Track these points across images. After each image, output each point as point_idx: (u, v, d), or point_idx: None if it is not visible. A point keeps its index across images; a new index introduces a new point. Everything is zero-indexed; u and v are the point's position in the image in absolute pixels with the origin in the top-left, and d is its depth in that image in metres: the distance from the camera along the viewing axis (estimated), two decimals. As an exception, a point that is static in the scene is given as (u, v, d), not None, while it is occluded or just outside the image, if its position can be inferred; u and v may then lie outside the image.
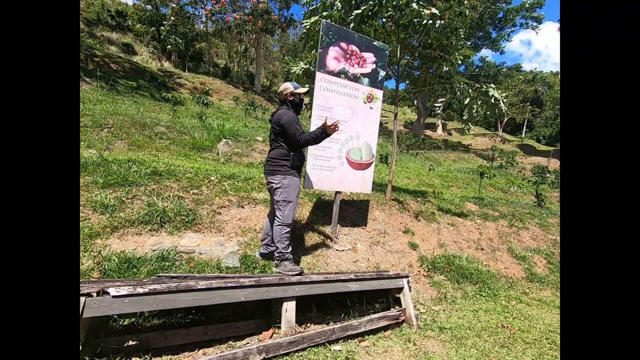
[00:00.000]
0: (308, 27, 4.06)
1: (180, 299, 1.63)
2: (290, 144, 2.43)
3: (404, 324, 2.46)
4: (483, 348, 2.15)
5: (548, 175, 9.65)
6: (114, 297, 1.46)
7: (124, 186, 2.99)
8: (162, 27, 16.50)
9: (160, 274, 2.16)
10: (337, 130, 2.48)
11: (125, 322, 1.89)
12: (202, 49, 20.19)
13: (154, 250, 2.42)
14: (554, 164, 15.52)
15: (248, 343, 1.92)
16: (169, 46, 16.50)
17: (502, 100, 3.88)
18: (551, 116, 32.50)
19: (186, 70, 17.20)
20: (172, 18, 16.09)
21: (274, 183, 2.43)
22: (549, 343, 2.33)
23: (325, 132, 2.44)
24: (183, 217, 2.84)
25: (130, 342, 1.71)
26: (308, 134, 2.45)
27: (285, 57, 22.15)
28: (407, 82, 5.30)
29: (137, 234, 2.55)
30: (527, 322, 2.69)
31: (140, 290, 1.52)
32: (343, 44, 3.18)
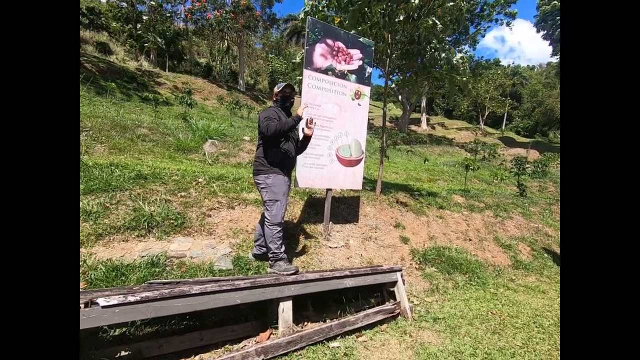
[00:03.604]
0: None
1: (174, 305, 1.58)
2: (265, 139, 2.39)
3: (399, 316, 2.50)
4: (476, 335, 2.22)
5: (527, 165, 10.05)
6: (103, 307, 1.40)
7: (107, 191, 2.87)
8: (139, 25, 15.89)
9: (152, 281, 2.09)
10: (311, 127, 2.46)
11: (116, 333, 1.82)
12: (183, 47, 19.63)
13: (142, 257, 2.34)
14: (533, 154, 16.15)
15: (245, 345, 1.90)
16: (147, 44, 15.92)
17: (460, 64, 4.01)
18: (529, 108, 33.75)
19: (166, 70, 16.67)
20: (152, 16, 15.51)
21: (259, 183, 2.42)
22: (536, 327, 2.43)
23: (299, 119, 2.37)
24: (172, 221, 2.76)
25: (123, 353, 1.65)
26: (276, 123, 2.30)
27: (269, 56, 21.89)
28: (395, 77, 5.36)
29: (123, 241, 2.46)
30: (515, 308, 2.80)
31: (131, 298, 1.46)
32: (329, 41, 3.17)
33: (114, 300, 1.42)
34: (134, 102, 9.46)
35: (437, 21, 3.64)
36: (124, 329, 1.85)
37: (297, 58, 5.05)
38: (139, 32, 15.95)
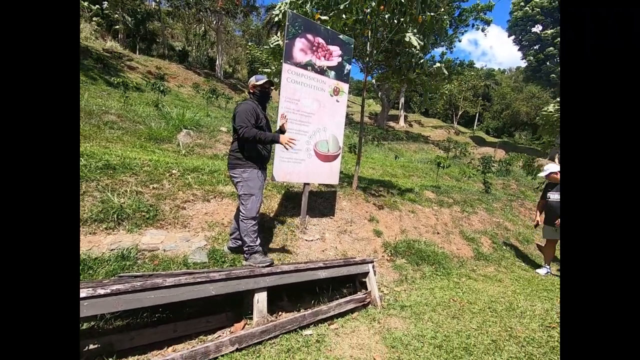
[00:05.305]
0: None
1: (146, 297, 1.58)
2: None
3: (370, 305, 2.65)
4: (437, 320, 2.41)
5: (493, 164, 10.75)
6: (71, 301, 1.37)
7: (72, 182, 2.72)
8: (106, 2, 14.70)
9: (122, 274, 2.05)
10: (292, 145, 2.46)
11: (84, 326, 1.78)
12: (155, 29, 18.46)
13: (112, 250, 2.27)
14: (500, 153, 17.24)
15: (220, 336, 1.93)
16: (117, 26, 14.80)
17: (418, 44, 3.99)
18: (498, 110, 35.76)
19: (137, 52, 15.65)
20: None
21: (234, 177, 2.43)
22: (490, 312, 2.68)
23: (280, 136, 2.42)
24: (143, 214, 2.69)
25: (92, 346, 1.62)
26: (257, 131, 2.33)
27: (249, 44, 21.23)
28: (374, 74, 5.47)
29: (90, 233, 2.37)
30: (474, 295, 3.06)
31: (101, 291, 1.44)
32: (309, 36, 3.18)
33: (83, 293, 1.39)
34: (99, 86, 8.84)
35: (414, 38, 3.71)
36: (93, 323, 1.82)
37: (271, 44, 4.83)
38: (106, 11, 14.75)
